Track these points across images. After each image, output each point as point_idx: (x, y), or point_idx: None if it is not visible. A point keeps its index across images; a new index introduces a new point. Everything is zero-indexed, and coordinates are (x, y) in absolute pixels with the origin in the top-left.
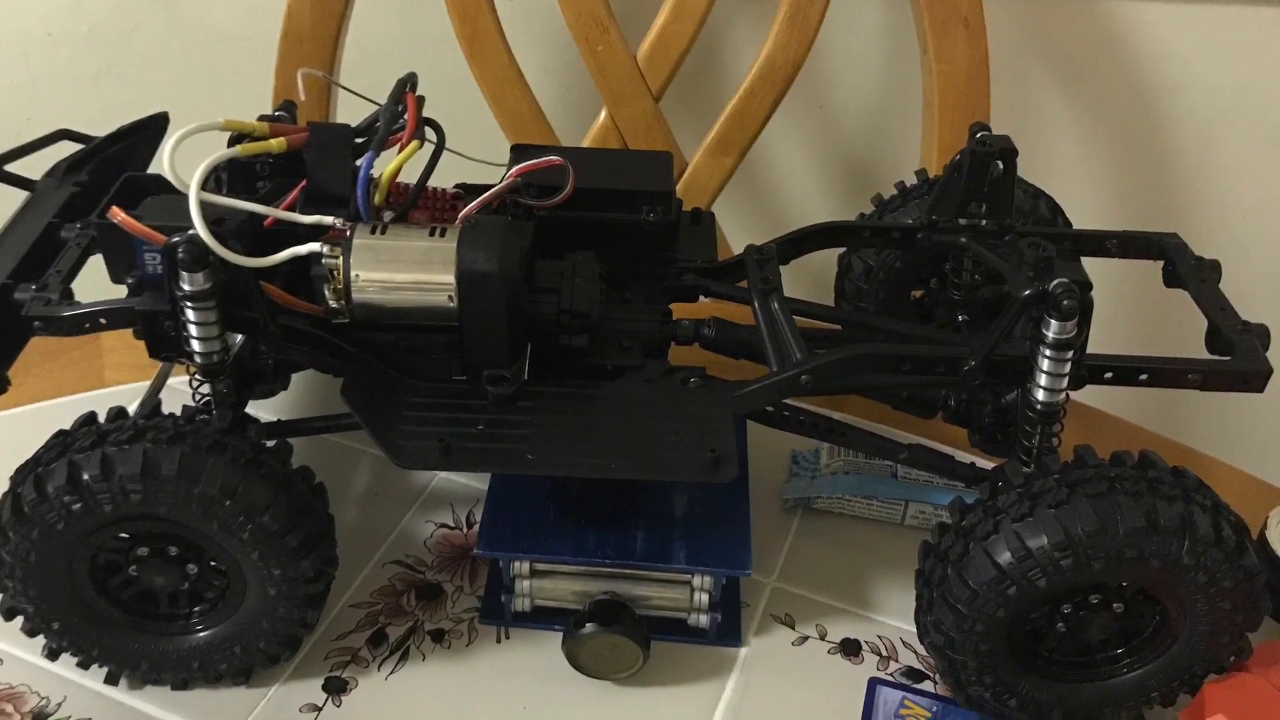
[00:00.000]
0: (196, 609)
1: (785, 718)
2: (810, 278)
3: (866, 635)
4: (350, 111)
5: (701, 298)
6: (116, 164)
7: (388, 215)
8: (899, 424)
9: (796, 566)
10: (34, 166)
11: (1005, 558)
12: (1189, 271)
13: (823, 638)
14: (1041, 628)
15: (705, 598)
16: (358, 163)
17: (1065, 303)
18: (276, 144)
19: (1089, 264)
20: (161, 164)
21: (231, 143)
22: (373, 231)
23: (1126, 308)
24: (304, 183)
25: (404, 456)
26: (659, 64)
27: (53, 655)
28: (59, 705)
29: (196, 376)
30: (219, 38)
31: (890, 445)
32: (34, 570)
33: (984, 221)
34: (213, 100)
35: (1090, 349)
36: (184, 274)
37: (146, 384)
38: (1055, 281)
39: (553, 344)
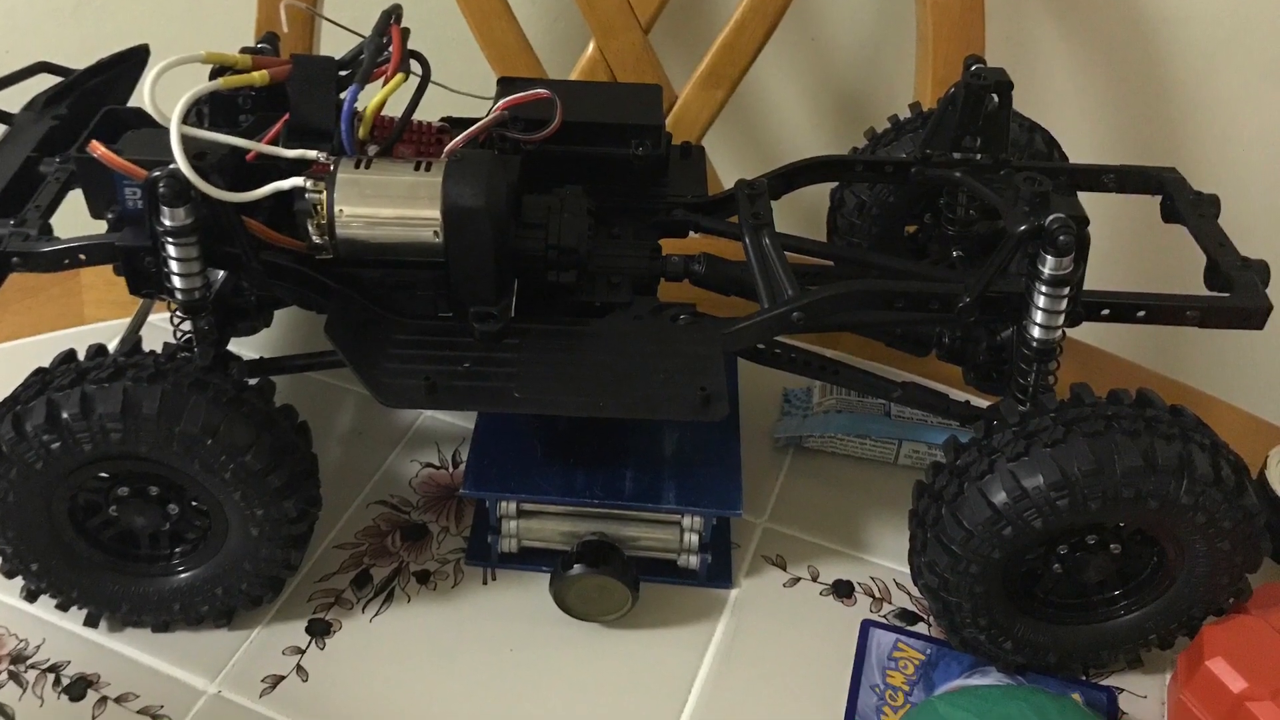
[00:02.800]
0: (178, 550)
1: (777, 660)
2: (802, 213)
3: (859, 577)
4: (334, 44)
5: (691, 233)
6: (96, 97)
7: (372, 149)
8: (892, 362)
9: (788, 507)
10: (12, 100)
11: (1000, 498)
12: (1187, 206)
13: (815, 579)
14: (1037, 569)
15: (695, 538)
16: (342, 96)
17: (1061, 238)
18: (259, 77)
19: (1085, 199)
20: (142, 97)
21: (213, 76)
22: (357, 166)
23: (1124, 243)
24: (287, 116)
25: (389, 395)
26: None
27: (31, 597)
28: (38, 647)
29: (177, 313)
30: None
31: (883, 383)
32: (12, 510)
33: (979, 156)
34: (194, 32)
35: (1087, 285)
36: (165, 209)
37: (127, 321)
38: (1051, 216)
39: (540, 280)
